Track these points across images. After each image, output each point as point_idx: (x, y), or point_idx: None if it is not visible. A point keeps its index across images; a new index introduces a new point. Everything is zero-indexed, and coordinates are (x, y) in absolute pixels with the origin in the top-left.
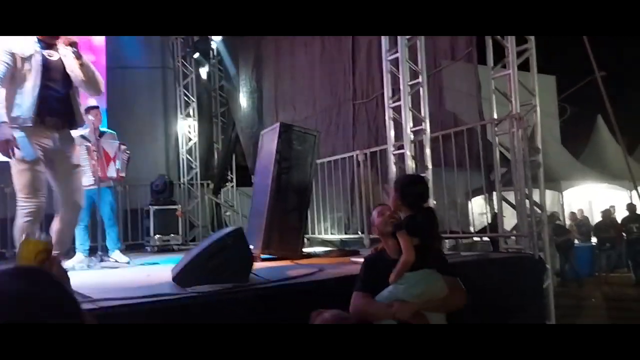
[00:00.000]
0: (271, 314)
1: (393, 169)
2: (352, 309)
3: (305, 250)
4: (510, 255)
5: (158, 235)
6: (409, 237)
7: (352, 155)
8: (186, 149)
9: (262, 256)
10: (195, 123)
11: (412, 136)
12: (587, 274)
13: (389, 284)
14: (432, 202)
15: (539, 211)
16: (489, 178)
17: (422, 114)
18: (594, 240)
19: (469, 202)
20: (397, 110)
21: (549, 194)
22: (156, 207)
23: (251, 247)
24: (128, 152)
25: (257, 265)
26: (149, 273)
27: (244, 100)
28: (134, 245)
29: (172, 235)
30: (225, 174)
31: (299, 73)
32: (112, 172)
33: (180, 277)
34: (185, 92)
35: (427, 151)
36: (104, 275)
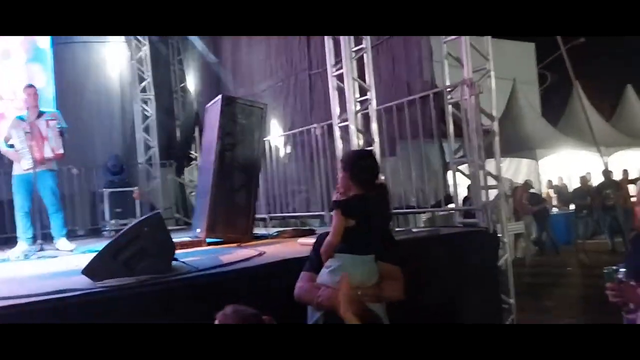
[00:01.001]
0: (191, 309)
1: (339, 144)
2: (295, 291)
3: (259, 231)
4: (461, 231)
5: (114, 220)
6: (340, 218)
7: (310, 129)
8: (143, 127)
9: (208, 240)
10: (152, 99)
11: (357, 107)
12: (565, 242)
13: None
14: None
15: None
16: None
17: (367, 82)
18: (571, 207)
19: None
20: (340, 79)
21: (524, 162)
22: (110, 189)
23: (197, 230)
24: (59, 126)
25: (194, 250)
26: (78, 263)
27: (202, 73)
28: (93, 230)
29: (130, 219)
30: (188, 152)
31: (256, 43)
32: (47, 151)
33: (89, 270)
34: (139, 66)
35: (374, 124)
36: (24, 268)
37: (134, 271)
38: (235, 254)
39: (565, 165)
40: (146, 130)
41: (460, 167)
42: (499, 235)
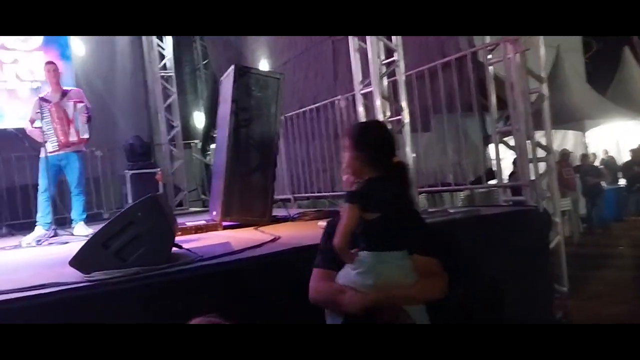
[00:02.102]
0: (194, 304)
1: (361, 113)
2: (310, 292)
3: (283, 213)
4: (505, 210)
5: None
6: (357, 213)
7: (334, 101)
8: (164, 106)
9: (225, 224)
10: (173, 77)
11: (383, 69)
12: (615, 219)
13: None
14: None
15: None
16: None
17: (394, 42)
18: (621, 182)
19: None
20: (363, 39)
21: (570, 134)
22: (132, 171)
23: (213, 213)
24: (87, 110)
25: (210, 235)
26: None
27: (223, 48)
28: (116, 213)
29: None
30: (213, 132)
31: None
32: (72, 135)
33: (77, 261)
34: (160, 43)
35: (402, 88)
36: (26, 255)
37: (127, 262)
38: (248, 239)
39: (614, 137)
40: (168, 109)
41: (504, 139)
42: (550, 214)
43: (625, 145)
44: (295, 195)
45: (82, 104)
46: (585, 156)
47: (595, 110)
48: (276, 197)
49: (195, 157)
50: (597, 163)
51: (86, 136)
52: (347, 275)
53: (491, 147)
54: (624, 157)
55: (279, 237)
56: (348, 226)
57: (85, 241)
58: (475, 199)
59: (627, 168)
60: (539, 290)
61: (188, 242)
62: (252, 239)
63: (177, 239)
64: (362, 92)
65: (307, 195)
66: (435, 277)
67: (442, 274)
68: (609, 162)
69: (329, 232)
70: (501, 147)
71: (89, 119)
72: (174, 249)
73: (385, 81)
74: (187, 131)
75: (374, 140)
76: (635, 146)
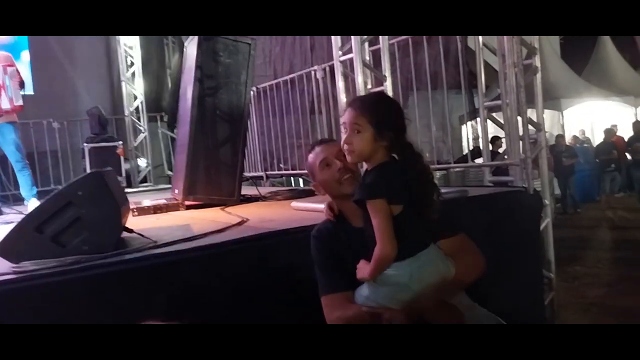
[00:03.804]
0: (141, 299)
1: (340, 84)
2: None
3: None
4: (495, 191)
5: None
6: (385, 212)
7: (310, 72)
8: (127, 75)
9: (187, 203)
10: (136, 44)
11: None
12: (589, 200)
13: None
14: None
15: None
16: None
17: None
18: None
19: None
20: None
21: (548, 113)
22: (91, 145)
23: (175, 191)
24: (17, 74)
25: (170, 216)
26: None
27: None
28: None
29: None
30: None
31: None
32: (5, 103)
33: (4, 248)
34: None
35: (385, 56)
36: None
37: (66, 248)
38: (212, 222)
39: (591, 116)
40: (131, 79)
41: (492, 114)
42: (541, 196)
43: (599, 127)
44: (268, 172)
45: (12, 68)
46: (560, 136)
47: (571, 89)
48: (247, 174)
49: (162, 131)
50: (570, 144)
51: (20, 103)
52: (374, 294)
53: (468, 126)
54: (598, 138)
55: (246, 220)
56: (389, 230)
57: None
58: (451, 178)
59: (599, 150)
60: (530, 277)
61: (143, 225)
62: (217, 221)
63: (134, 220)
64: (342, 59)
65: (280, 172)
66: (469, 255)
67: (474, 247)
68: (586, 143)
69: (325, 248)
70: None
71: (21, 85)
72: (125, 233)
73: (367, 48)
74: (155, 103)
75: (397, 120)
76: (607, 127)
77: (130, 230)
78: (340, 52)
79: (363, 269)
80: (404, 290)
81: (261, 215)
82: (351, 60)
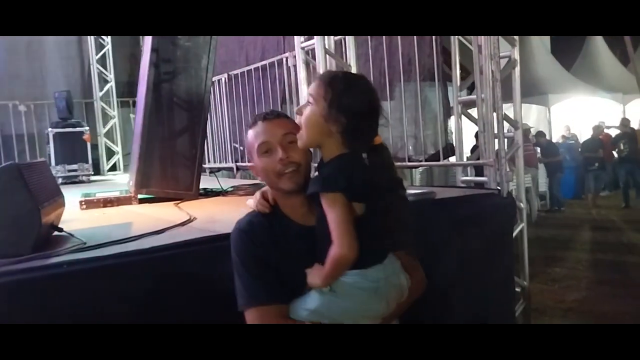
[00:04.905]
0: (63, 309)
1: (302, 71)
2: None
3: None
4: (466, 194)
5: (60, 165)
6: (344, 207)
7: (282, 59)
8: (97, 57)
9: (140, 196)
10: None
11: None
12: (571, 197)
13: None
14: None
15: (512, 129)
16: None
17: None
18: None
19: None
20: None
21: (534, 109)
22: (56, 130)
23: (130, 184)
24: None
25: (118, 211)
26: None
27: None
28: None
29: (80, 164)
30: None
31: None
32: None
33: None
34: None
35: (351, 44)
36: None
37: None
38: (158, 220)
39: (578, 113)
40: (102, 61)
41: (467, 111)
42: (515, 200)
43: (587, 123)
44: (239, 164)
45: None
46: (540, 133)
47: (559, 84)
48: (217, 165)
49: (133, 117)
50: (555, 140)
51: None
52: (327, 306)
53: (453, 119)
54: (585, 135)
55: (193, 219)
56: (349, 227)
57: None
58: (434, 173)
59: (585, 147)
60: (498, 288)
61: (88, 221)
62: (163, 219)
63: (79, 214)
64: (303, 45)
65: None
66: (418, 271)
67: (418, 265)
68: (573, 140)
69: (256, 238)
70: (465, 120)
71: None
72: (55, 232)
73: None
74: (128, 87)
75: (357, 106)
76: (595, 124)
77: (60, 229)
78: (302, 38)
79: (315, 272)
80: (368, 303)
81: (212, 213)
82: (314, 47)
